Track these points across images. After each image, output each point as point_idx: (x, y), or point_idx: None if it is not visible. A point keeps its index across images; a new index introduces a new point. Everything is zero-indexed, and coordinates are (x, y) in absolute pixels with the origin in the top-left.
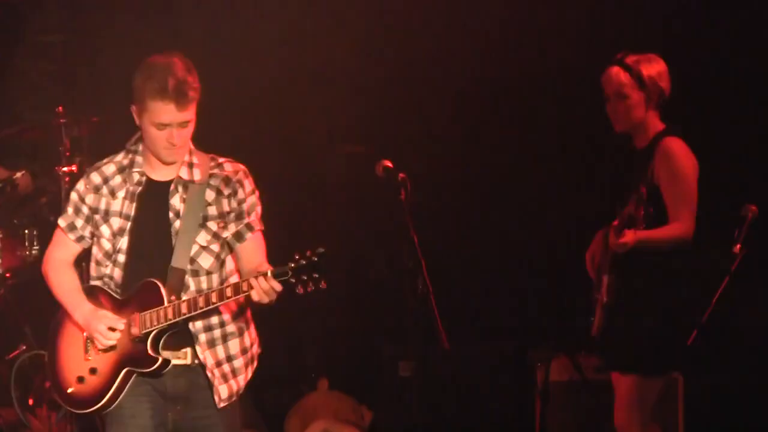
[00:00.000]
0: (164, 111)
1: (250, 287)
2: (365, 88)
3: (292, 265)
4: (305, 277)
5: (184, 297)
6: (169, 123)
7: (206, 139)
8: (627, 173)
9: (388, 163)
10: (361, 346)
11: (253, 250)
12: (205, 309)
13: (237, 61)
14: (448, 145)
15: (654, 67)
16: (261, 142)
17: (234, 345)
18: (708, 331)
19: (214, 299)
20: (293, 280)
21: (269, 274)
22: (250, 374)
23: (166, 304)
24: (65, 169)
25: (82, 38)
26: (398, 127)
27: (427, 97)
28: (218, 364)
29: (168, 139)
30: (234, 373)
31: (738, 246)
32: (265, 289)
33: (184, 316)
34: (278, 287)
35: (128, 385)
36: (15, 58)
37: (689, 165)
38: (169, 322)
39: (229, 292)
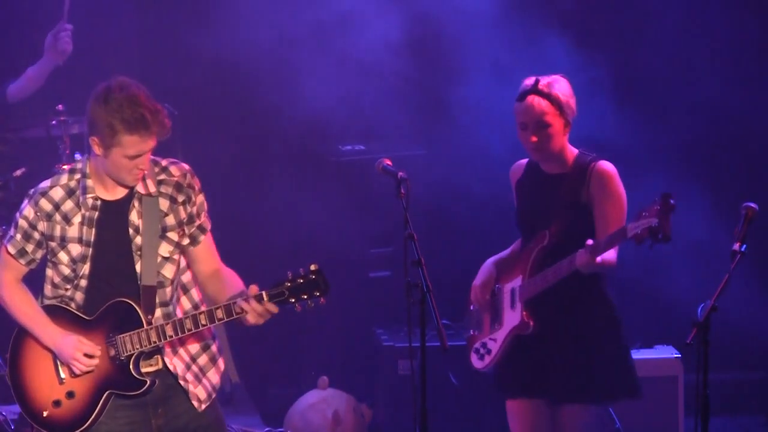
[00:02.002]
0: (142, 143)
1: (243, 310)
2: (367, 86)
3: (288, 284)
4: (305, 296)
5: (158, 314)
6: (142, 152)
7: (205, 139)
8: (539, 197)
9: (388, 162)
10: (360, 344)
11: (207, 251)
12: (194, 331)
13: (238, 60)
14: (450, 142)
15: (566, 90)
16: (260, 141)
17: (193, 344)
18: (708, 329)
19: (203, 321)
20: (292, 300)
21: (264, 296)
22: (222, 366)
23: (145, 325)
24: (66, 166)
25: (82, 35)
26: (397, 125)
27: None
28: (187, 367)
29: (138, 165)
30: (203, 371)
31: (737, 244)
32: (259, 311)
33: (170, 339)
34: (274, 309)
35: (108, 406)
36: (14, 55)
37: (624, 191)
38: (153, 345)
39: (219, 314)
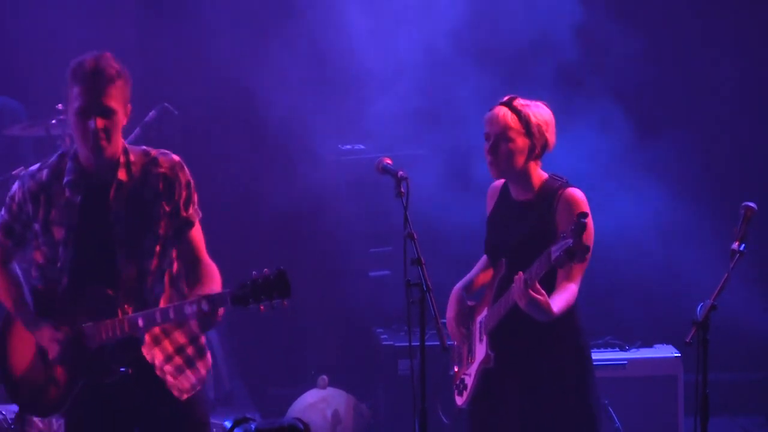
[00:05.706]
0: (87, 95)
1: (211, 305)
2: (366, 87)
3: (249, 284)
4: (264, 297)
5: (137, 304)
6: (90, 107)
7: (205, 139)
8: (506, 224)
9: (388, 161)
10: (360, 344)
11: (191, 245)
12: (161, 324)
13: (237, 67)
14: (451, 145)
15: (542, 116)
16: (259, 141)
17: (178, 336)
18: (707, 329)
19: (171, 315)
20: (252, 300)
21: (227, 296)
22: (209, 360)
23: (119, 315)
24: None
25: (82, 35)
26: (398, 125)
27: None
28: (168, 358)
29: (89, 128)
30: (187, 362)
31: (737, 243)
32: (215, 316)
33: (141, 330)
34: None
35: (85, 394)
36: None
37: (591, 219)
38: (125, 335)
39: (187, 309)
